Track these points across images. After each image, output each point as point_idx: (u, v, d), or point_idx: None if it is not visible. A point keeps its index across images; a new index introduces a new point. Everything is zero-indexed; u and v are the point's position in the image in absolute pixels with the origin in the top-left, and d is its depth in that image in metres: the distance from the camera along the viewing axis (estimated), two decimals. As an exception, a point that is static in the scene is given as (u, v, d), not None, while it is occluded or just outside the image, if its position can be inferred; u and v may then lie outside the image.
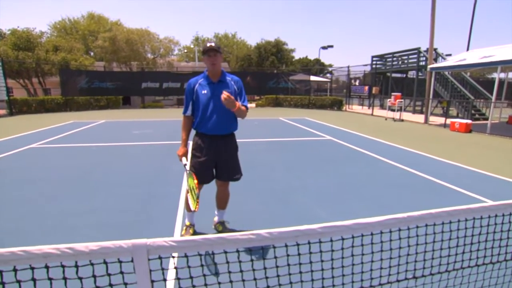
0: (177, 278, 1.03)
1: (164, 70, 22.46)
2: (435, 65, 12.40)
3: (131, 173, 4.97)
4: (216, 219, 3.03)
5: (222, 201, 2.90)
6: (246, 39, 44.15)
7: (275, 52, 38.57)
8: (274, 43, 38.93)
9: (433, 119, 13.09)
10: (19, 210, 3.45)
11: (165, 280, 1.01)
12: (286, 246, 1.10)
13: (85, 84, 18.11)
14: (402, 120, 13.37)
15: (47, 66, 19.35)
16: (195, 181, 2.32)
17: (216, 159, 2.66)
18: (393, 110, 13.88)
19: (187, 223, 2.89)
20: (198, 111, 2.62)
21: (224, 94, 2.38)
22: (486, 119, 12.93)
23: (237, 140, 2.82)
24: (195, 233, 2.91)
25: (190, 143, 2.70)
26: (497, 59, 9.56)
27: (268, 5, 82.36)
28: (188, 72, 21.23)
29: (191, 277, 1.04)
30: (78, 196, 3.93)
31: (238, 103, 2.53)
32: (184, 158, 2.65)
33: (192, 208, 2.24)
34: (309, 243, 1.14)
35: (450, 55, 18.92)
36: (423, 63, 16.06)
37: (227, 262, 1.10)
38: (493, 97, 10.10)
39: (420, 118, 13.79)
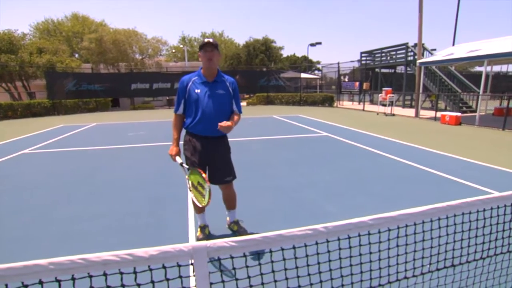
0: (235, 279, 1.01)
1: (153, 71, 22.12)
2: (424, 59, 12.67)
3: (133, 176, 4.88)
4: (228, 219, 3.00)
5: (229, 202, 2.87)
6: (234, 38, 43.99)
7: (264, 50, 38.54)
8: (263, 41, 38.88)
9: (423, 112, 13.39)
10: (25, 217, 3.33)
11: (223, 281, 0.99)
12: (338, 239, 1.11)
13: (73, 86, 17.63)
14: (393, 115, 13.62)
15: (31, 69, 18.73)
16: (204, 175, 2.16)
17: (207, 160, 2.59)
18: (384, 105, 14.12)
19: (201, 224, 2.86)
20: (190, 111, 2.53)
21: (219, 126, 2.33)
22: (473, 111, 13.33)
23: (235, 139, 2.74)
24: (209, 233, 2.88)
25: (181, 143, 2.62)
26: (484, 53, 9.85)
27: (254, 3, 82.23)
28: (178, 72, 20.99)
29: (249, 277, 1.02)
30: (83, 201, 3.83)
31: (233, 123, 2.46)
32: (178, 157, 2.55)
33: (202, 204, 2.14)
34: (359, 235, 1.15)
35: (435, 49, 19.43)
36: (411, 58, 16.39)
37: (271, 262, 1.09)
38: (481, 90, 10.41)
39: (410, 112, 14.09)
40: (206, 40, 2.40)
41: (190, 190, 2.32)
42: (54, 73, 17.70)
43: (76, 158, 6.30)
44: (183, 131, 2.67)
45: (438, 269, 1.42)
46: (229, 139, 2.73)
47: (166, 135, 8.85)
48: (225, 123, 2.35)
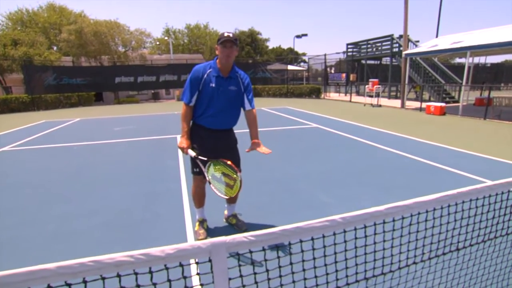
0: (254, 273, 0.98)
1: (137, 64, 21.49)
2: (410, 51, 12.88)
3: (124, 171, 4.75)
4: (226, 212, 2.97)
5: (233, 197, 2.82)
6: (219, 30, 43.11)
7: (250, 42, 38.20)
8: (249, 33, 38.51)
9: (408, 103, 13.67)
10: (11, 219, 3.17)
11: (241, 276, 0.96)
12: (355, 229, 1.10)
13: (53, 80, 16.88)
14: (380, 106, 13.85)
15: (6, 62, 17.78)
16: (229, 162, 2.17)
17: (216, 152, 2.53)
18: (371, 96, 14.32)
19: (199, 218, 2.81)
20: (201, 103, 2.48)
21: (266, 152, 2.36)
22: (455, 101, 13.74)
23: None
24: (208, 227, 2.84)
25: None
26: (467, 45, 10.10)
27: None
28: (163, 65, 20.48)
29: (267, 270, 1.00)
30: (73, 198, 3.69)
31: (257, 135, 2.55)
32: (190, 150, 2.46)
33: (230, 195, 2.18)
34: (374, 224, 1.14)
35: (418, 41, 19.77)
36: (396, 49, 16.62)
37: (290, 254, 1.07)
38: (464, 81, 10.71)
39: (396, 103, 14.37)
40: (226, 34, 2.33)
41: (210, 183, 2.29)
42: (32, 67, 16.86)
43: (62, 154, 6.06)
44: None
45: (444, 253, 1.45)
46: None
47: (155, 129, 8.66)
48: (265, 150, 2.38)
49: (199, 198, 2.73)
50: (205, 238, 2.68)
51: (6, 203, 3.61)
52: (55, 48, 25.58)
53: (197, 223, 2.80)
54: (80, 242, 2.66)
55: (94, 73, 18.48)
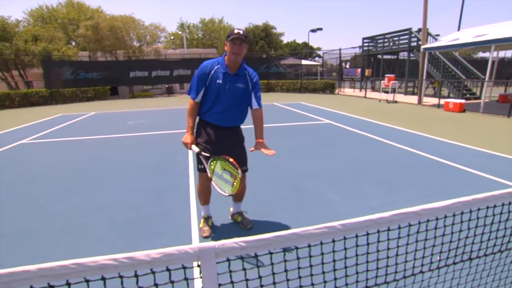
0: (246, 280, 0.93)
1: (152, 58, 21.73)
2: (428, 45, 12.37)
3: (134, 166, 4.80)
4: (232, 210, 2.94)
5: (239, 195, 2.79)
6: (234, 24, 42.98)
7: (264, 36, 37.87)
8: (263, 27, 38.16)
9: (425, 99, 13.18)
10: (23, 210, 3.27)
11: (232, 283, 0.91)
12: (356, 236, 1.03)
13: (70, 75, 17.34)
14: (396, 102, 13.44)
15: (27, 57, 18.37)
16: (231, 159, 2.15)
17: (222, 149, 2.50)
18: (386, 92, 13.91)
19: (205, 215, 2.79)
20: (207, 100, 2.45)
21: (270, 153, 2.38)
22: (477, 98, 13.14)
23: None
24: (213, 225, 2.82)
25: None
26: (491, 38, 9.58)
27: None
28: (177, 59, 20.62)
29: (260, 277, 0.95)
30: (83, 192, 3.76)
31: (262, 133, 2.58)
32: (194, 146, 2.45)
33: (230, 193, 2.17)
34: (378, 231, 1.06)
35: (438, 35, 18.96)
36: (414, 43, 16.02)
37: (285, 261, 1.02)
38: (487, 76, 10.19)
39: (413, 99, 13.88)
40: (236, 31, 2.27)
41: (212, 180, 2.27)
42: (50, 62, 17.35)
43: (76, 148, 6.21)
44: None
45: (454, 263, 1.35)
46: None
47: (167, 123, 8.74)
48: (268, 152, 2.39)
49: (204, 195, 2.71)
50: (210, 235, 2.66)
51: (19, 194, 3.73)
52: (73, 43, 26.24)
53: (202, 220, 2.79)
54: (86, 237, 2.69)
55: (109, 67, 18.83)
